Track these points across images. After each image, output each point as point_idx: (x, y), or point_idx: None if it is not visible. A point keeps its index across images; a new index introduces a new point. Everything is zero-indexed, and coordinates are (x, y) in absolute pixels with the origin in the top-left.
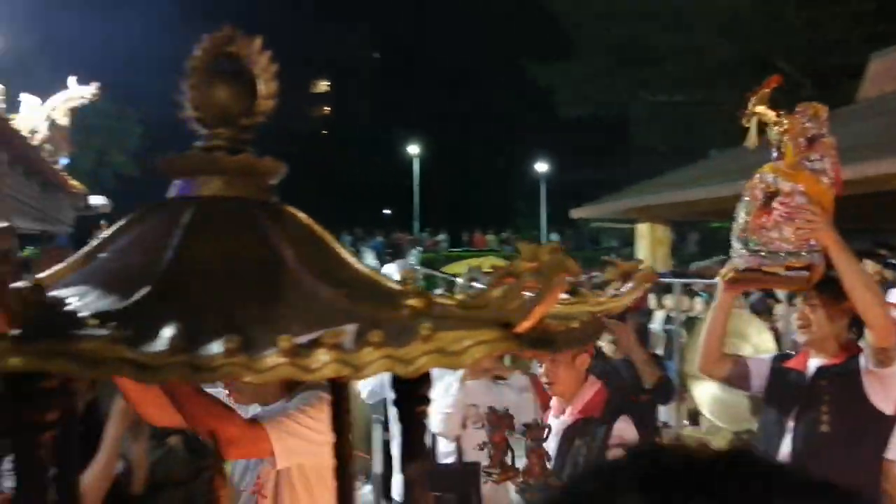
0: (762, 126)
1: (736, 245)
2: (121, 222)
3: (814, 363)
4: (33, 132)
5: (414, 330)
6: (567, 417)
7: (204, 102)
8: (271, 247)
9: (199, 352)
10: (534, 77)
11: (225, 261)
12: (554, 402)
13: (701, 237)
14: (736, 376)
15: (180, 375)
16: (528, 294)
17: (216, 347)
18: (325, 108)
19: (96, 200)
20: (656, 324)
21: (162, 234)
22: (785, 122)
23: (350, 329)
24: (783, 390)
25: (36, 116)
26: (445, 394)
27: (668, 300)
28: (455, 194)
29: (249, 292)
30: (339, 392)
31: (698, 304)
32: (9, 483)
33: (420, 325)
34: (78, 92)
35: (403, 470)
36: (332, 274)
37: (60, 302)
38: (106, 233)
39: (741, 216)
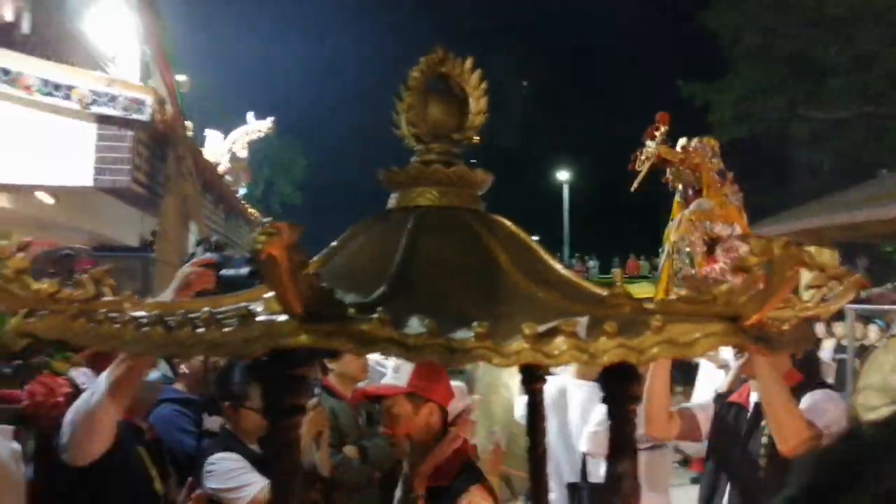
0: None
1: (678, 261)
2: (348, 231)
3: (755, 397)
4: (216, 164)
5: (645, 322)
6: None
7: (420, 119)
8: (487, 251)
9: (452, 336)
10: (689, 97)
11: (447, 263)
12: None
13: (871, 261)
14: (686, 430)
15: (438, 356)
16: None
17: (467, 332)
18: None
19: None
20: (826, 353)
21: (388, 240)
22: (694, 158)
23: (584, 320)
24: (726, 426)
25: (219, 149)
26: (595, 413)
27: (839, 328)
28: (605, 220)
29: (474, 291)
30: (533, 396)
31: (872, 331)
32: (213, 483)
33: (651, 318)
34: (256, 126)
35: (613, 465)
36: (542, 276)
37: (332, 290)
38: (336, 241)
39: (679, 266)
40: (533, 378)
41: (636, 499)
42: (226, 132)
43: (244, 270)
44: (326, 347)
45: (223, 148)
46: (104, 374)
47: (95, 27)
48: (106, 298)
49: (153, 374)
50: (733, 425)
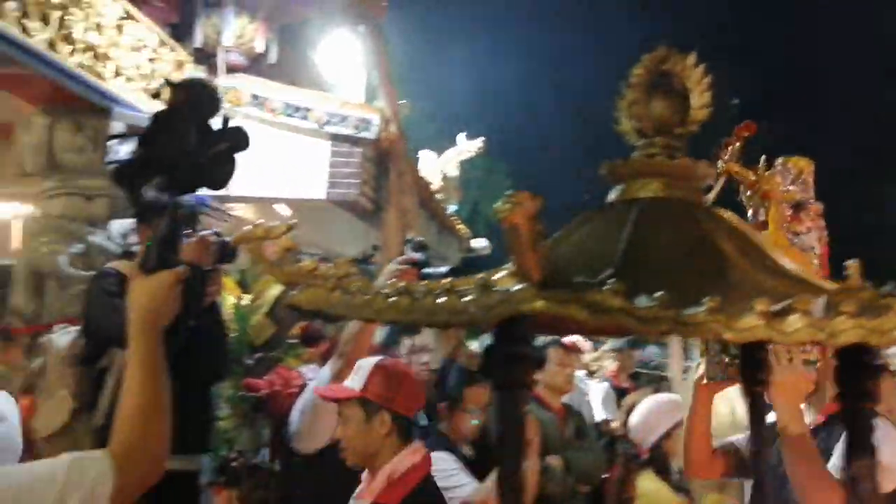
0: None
1: (712, 347)
2: (570, 224)
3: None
4: (430, 182)
5: (886, 305)
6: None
7: (643, 114)
8: (712, 242)
9: (684, 309)
10: None
11: (672, 251)
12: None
13: None
14: (735, 467)
15: (668, 328)
16: None
17: (699, 306)
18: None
19: (478, 243)
20: None
21: (611, 230)
22: (763, 184)
23: (821, 299)
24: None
25: (432, 169)
26: None
27: None
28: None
29: (700, 277)
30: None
31: None
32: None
33: (893, 301)
34: (466, 146)
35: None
36: (770, 267)
37: (563, 263)
38: (557, 233)
39: None
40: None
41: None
42: (438, 154)
43: (443, 269)
44: (560, 314)
45: (436, 167)
46: (326, 368)
47: (329, 55)
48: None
49: None
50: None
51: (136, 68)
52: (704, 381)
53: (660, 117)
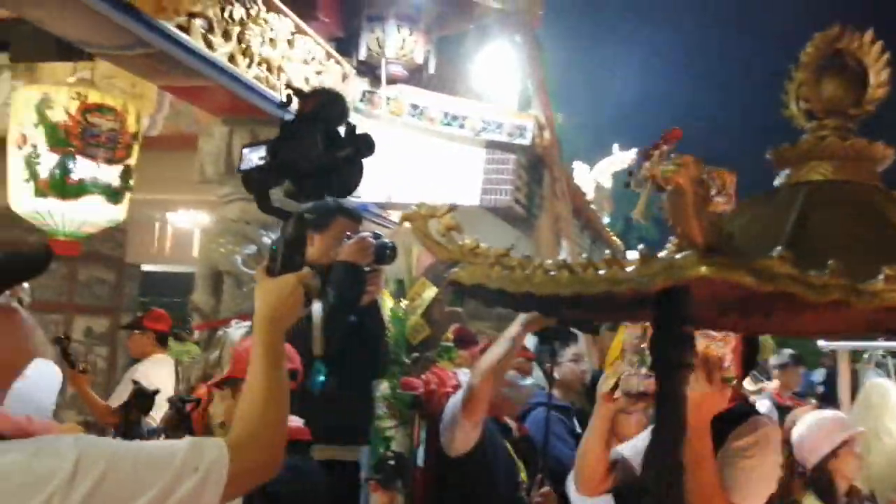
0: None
1: (629, 358)
2: (734, 208)
3: None
4: (583, 192)
5: None
6: None
7: (814, 95)
8: (889, 223)
9: (859, 279)
10: None
11: (843, 232)
12: None
13: None
14: (626, 480)
15: (840, 296)
16: None
17: (875, 277)
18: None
19: (632, 256)
20: None
21: (778, 213)
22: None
23: None
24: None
25: (585, 180)
26: None
27: None
28: None
29: (875, 253)
30: None
31: None
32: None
33: None
34: (620, 157)
35: None
36: None
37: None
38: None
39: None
40: None
41: None
42: (591, 165)
43: None
44: (725, 280)
45: (589, 178)
46: (471, 375)
47: (484, 64)
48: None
49: (527, 380)
50: None
51: (304, 80)
52: (616, 395)
53: (832, 98)
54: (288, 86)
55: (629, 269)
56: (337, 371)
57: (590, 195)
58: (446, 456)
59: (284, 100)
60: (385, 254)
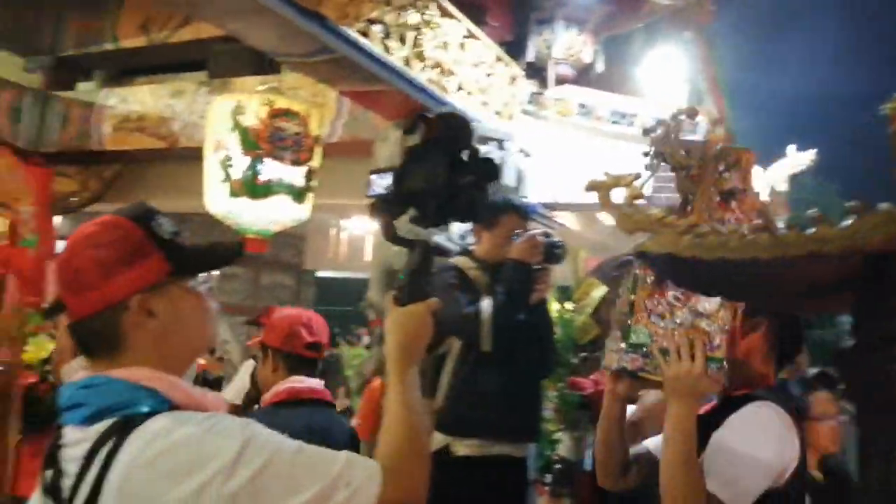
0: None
1: (613, 334)
2: None
3: None
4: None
5: None
6: None
7: None
8: None
9: None
10: None
11: None
12: None
13: None
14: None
15: None
16: None
17: None
18: None
19: None
20: None
21: None
22: (694, 165)
23: None
24: None
25: (758, 182)
26: None
27: None
28: None
29: None
30: None
31: None
32: None
33: None
34: (796, 159)
35: None
36: None
37: None
38: None
39: (623, 292)
40: None
41: None
42: (765, 168)
43: None
44: None
45: (763, 181)
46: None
47: (653, 62)
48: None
49: None
50: None
51: (475, 83)
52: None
53: None
54: (414, 111)
55: (841, 225)
56: (507, 368)
57: (764, 198)
58: None
59: (409, 125)
60: (554, 253)
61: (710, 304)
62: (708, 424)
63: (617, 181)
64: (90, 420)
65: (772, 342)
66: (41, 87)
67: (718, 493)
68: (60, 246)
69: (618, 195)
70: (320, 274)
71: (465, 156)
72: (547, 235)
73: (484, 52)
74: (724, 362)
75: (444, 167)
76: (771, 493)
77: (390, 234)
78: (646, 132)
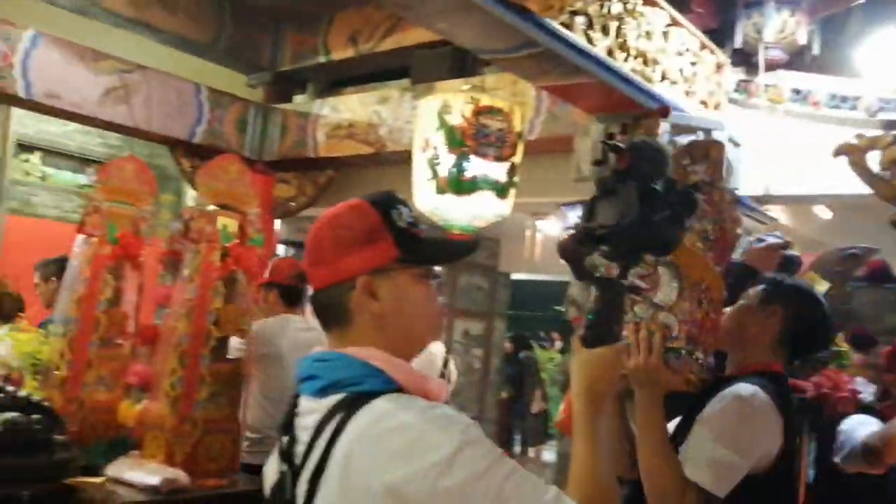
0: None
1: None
2: None
3: None
4: None
5: None
6: None
7: None
8: None
9: None
10: None
11: None
12: None
13: None
14: None
15: None
16: None
17: None
18: None
19: None
20: None
21: None
22: None
23: None
24: None
25: None
26: None
27: None
28: None
29: None
30: None
31: None
32: None
33: None
34: None
35: None
36: None
37: None
38: None
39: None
40: None
41: None
42: None
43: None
44: None
45: None
46: (871, 425)
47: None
48: None
49: None
50: None
51: (679, 72)
52: None
53: None
54: (603, 141)
55: None
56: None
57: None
58: (840, 474)
59: (599, 157)
60: (791, 266)
61: (667, 296)
62: (697, 406)
63: (873, 143)
64: (322, 392)
65: (784, 331)
66: (263, 101)
67: (697, 479)
68: (280, 249)
69: (872, 159)
70: (517, 276)
71: (659, 187)
72: (786, 246)
73: (688, 40)
74: (684, 352)
75: (637, 200)
76: (753, 478)
77: (580, 271)
78: (872, 114)
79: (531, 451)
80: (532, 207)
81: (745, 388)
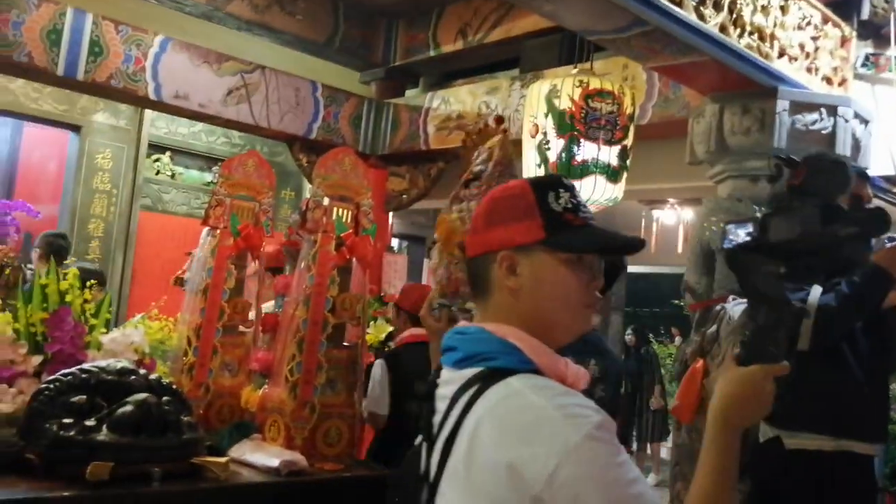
0: None
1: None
2: None
3: None
4: None
5: None
6: None
7: None
8: None
9: None
10: None
11: None
12: None
13: None
14: None
15: None
16: None
17: None
18: None
19: None
20: None
21: None
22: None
23: None
24: None
25: None
26: None
27: None
28: None
29: None
30: None
31: None
32: None
33: None
34: None
35: None
36: None
37: None
38: None
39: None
40: None
41: None
42: None
43: None
44: None
45: None
46: None
47: None
48: None
49: None
50: None
51: (799, 47)
52: None
53: None
54: (777, 156)
55: None
56: (833, 363)
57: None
58: None
59: (773, 172)
60: None
61: None
62: None
63: None
64: (459, 364)
65: None
66: (375, 97)
67: None
68: (394, 243)
69: None
70: (633, 269)
71: (842, 203)
72: None
73: (809, 13)
74: None
75: (818, 217)
76: None
77: (750, 288)
78: None
79: (649, 448)
80: (647, 194)
81: None
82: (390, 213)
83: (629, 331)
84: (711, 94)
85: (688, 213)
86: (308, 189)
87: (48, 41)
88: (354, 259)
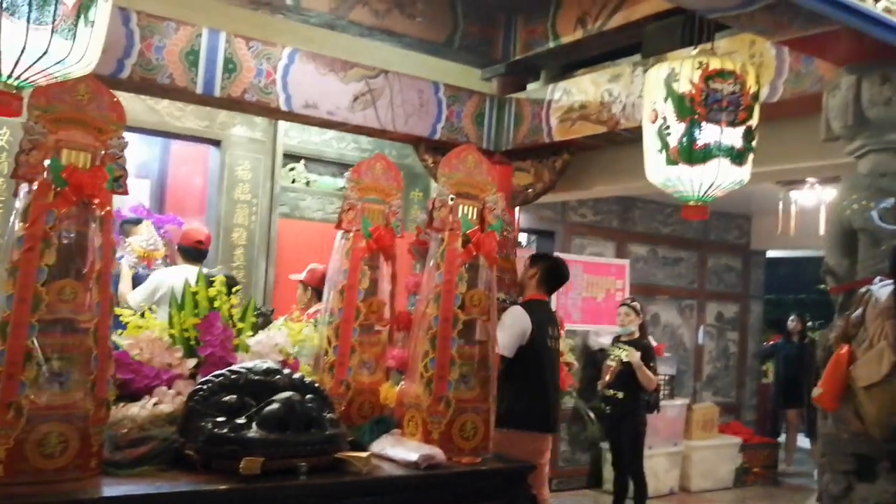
0: None
1: None
2: None
3: None
4: None
5: None
6: None
7: None
8: None
9: None
10: None
11: None
12: None
13: None
14: None
15: None
16: None
17: None
18: None
19: None
20: None
21: None
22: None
23: None
24: None
25: None
26: None
27: None
28: None
29: None
30: None
31: None
32: None
33: None
34: None
35: None
36: None
37: None
38: None
39: None
40: None
41: None
42: None
43: None
44: None
45: None
46: None
47: None
48: None
49: None
50: None
51: None
52: None
53: None
54: (870, 49)
55: None
56: None
57: None
58: None
59: None
60: None
61: None
62: None
63: None
64: None
65: None
66: (497, 93)
67: None
68: (522, 237)
69: None
70: (771, 254)
71: None
72: None
73: None
74: None
75: None
76: None
77: None
78: None
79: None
80: (782, 175)
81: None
82: (517, 209)
83: (792, 316)
84: (847, 65)
85: (829, 193)
86: (434, 188)
87: (187, 62)
88: (481, 255)
